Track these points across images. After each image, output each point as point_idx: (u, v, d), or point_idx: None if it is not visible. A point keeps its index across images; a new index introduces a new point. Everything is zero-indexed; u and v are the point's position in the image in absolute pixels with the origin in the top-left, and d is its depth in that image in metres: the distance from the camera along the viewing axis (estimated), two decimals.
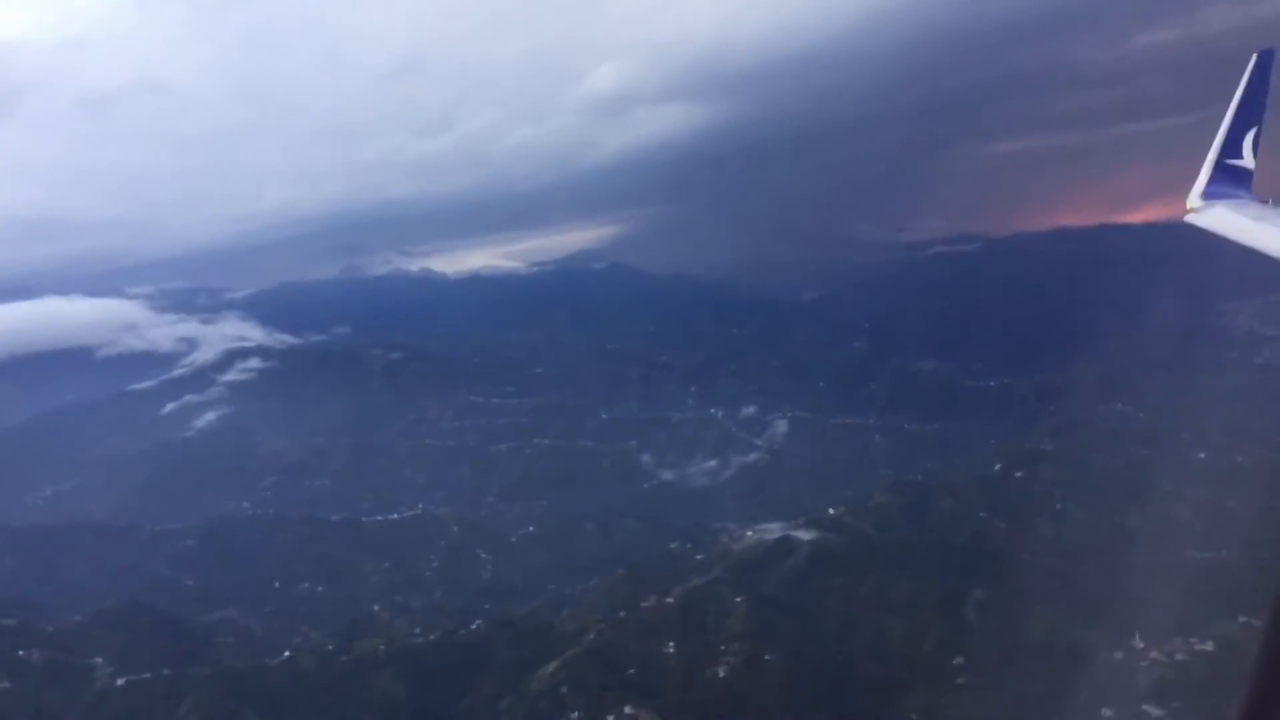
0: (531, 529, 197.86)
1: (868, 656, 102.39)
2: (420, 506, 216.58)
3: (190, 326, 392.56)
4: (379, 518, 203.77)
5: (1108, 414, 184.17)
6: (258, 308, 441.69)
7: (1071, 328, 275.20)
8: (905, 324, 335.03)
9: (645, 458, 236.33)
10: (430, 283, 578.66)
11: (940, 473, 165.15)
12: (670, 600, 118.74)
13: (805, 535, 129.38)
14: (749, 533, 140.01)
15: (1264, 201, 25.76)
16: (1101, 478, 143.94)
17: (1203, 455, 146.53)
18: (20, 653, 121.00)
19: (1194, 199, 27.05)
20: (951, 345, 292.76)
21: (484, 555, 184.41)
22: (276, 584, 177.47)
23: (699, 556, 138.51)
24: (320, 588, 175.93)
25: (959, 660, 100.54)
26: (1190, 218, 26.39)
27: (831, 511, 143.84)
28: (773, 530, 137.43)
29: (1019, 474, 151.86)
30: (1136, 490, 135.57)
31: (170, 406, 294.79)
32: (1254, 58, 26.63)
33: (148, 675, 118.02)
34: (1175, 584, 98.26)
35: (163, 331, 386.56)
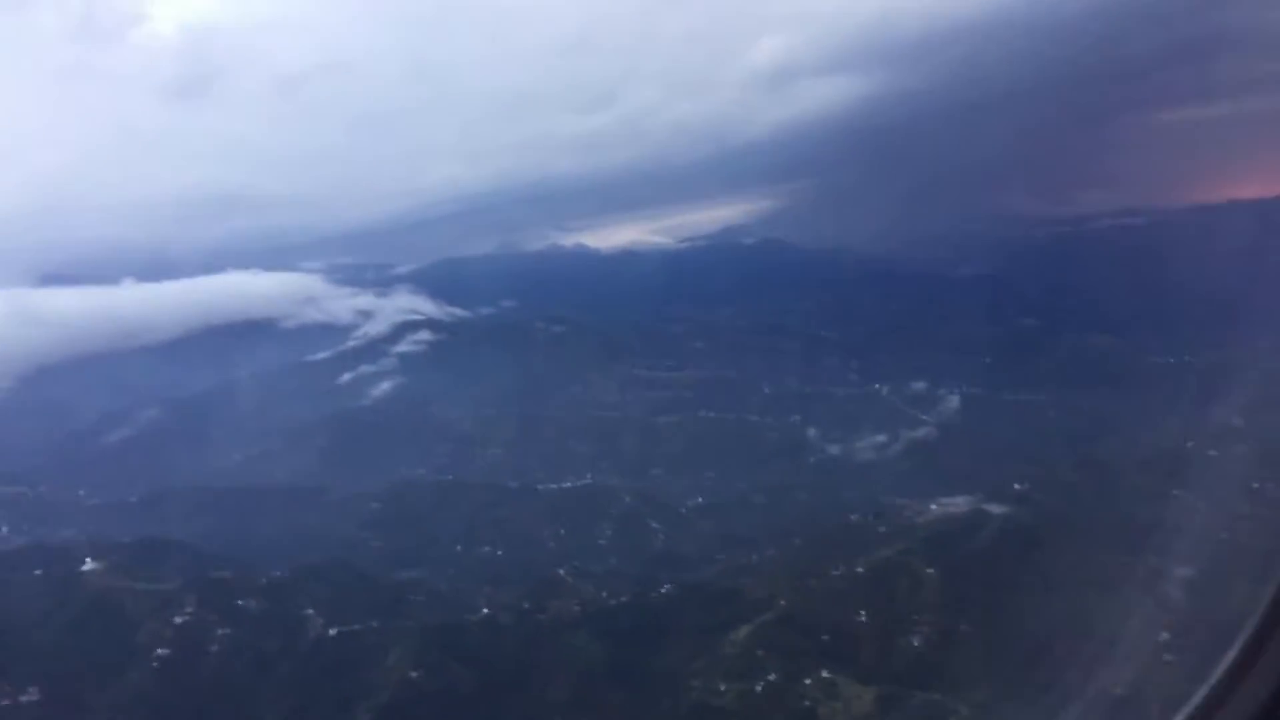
0: (700, 500, 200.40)
1: (1067, 632, 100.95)
2: (589, 477, 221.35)
3: (366, 300, 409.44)
4: (553, 486, 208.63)
5: None
6: (425, 282, 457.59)
7: (1249, 303, 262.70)
8: (1074, 299, 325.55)
9: (810, 432, 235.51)
10: (585, 258, 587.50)
11: (1127, 449, 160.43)
12: (860, 570, 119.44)
13: (996, 509, 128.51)
14: (933, 506, 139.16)
15: None
16: None
17: None
18: (239, 602, 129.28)
19: None
20: (1124, 321, 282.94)
21: (655, 525, 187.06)
22: (458, 547, 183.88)
23: (881, 529, 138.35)
24: (500, 551, 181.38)
25: (1164, 637, 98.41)
26: None
27: (1017, 486, 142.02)
28: (957, 504, 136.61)
29: (1212, 451, 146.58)
30: None
31: (347, 376, 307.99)
32: None
33: (357, 626, 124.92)
34: None
35: (341, 304, 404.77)
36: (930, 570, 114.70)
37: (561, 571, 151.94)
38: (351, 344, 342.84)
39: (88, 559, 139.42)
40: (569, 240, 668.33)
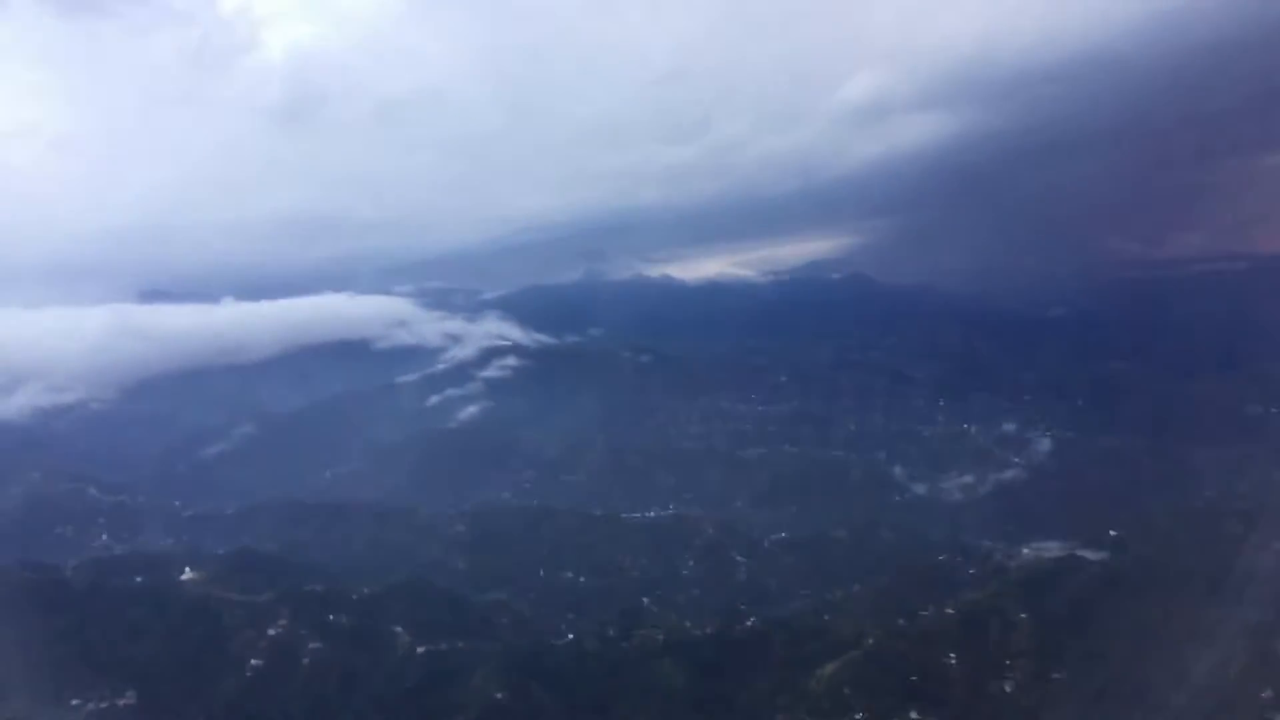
0: (784, 534, 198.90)
1: (1167, 683, 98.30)
2: (672, 507, 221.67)
3: (456, 324, 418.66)
4: (637, 515, 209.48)
5: None
6: (513, 308, 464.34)
7: None
8: (1168, 344, 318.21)
9: (896, 470, 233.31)
10: (670, 289, 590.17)
11: (1225, 499, 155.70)
12: (950, 611, 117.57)
13: (1091, 555, 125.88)
14: (1025, 550, 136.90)
15: None
16: None
17: None
18: (330, 617, 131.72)
19: None
20: (1220, 368, 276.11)
21: (738, 558, 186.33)
22: (541, 572, 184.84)
23: (971, 571, 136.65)
24: (583, 578, 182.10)
25: (1268, 694, 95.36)
26: None
27: (1113, 533, 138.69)
28: (1049, 549, 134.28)
29: None
30: None
31: (434, 399, 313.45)
32: None
33: (443, 646, 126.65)
34: None
35: (431, 328, 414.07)
36: (1023, 615, 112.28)
37: (646, 600, 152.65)
38: (440, 367, 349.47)
39: (186, 568, 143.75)
40: (654, 271, 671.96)
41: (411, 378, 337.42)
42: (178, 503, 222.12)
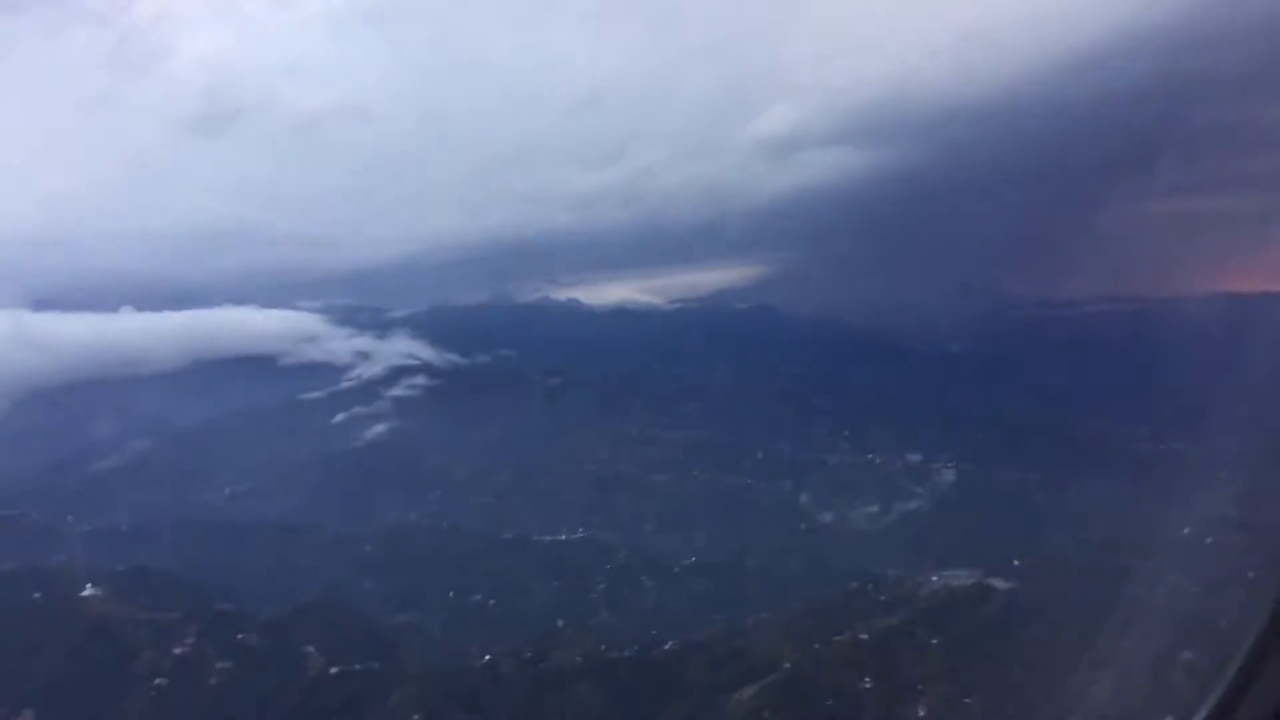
0: (693, 559, 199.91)
1: (1073, 709, 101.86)
2: (581, 530, 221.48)
3: (365, 341, 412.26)
4: (547, 538, 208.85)
5: None
6: (422, 327, 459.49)
7: (1235, 395, 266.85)
8: (1064, 381, 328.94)
9: (803, 498, 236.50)
10: (578, 313, 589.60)
11: (1125, 532, 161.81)
12: (864, 637, 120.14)
13: (1000, 584, 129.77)
14: (934, 578, 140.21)
15: None
16: None
17: None
18: (239, 635, 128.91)
19: None
20: (1113, 406, 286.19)
21: (649, 582, 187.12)
22: (451, 594, 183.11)
23: (882, 598, 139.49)
24: (493, 600, 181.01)
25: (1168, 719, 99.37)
26: None
27: (1017, 563, 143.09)
28: (958, 577, 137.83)
29: (1209, 539, 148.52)
30: None
31: (340, 417, 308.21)
32: None
33: (357, 667, 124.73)
34: None
35: (340, 344, 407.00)
36: (935, 641, 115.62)
37: (560, 623, 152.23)
38: (346, 385, 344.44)
39: (88, 585, 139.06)
40: (562, 294, 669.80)
41: (317, 395, 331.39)
42: (70, 518, 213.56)
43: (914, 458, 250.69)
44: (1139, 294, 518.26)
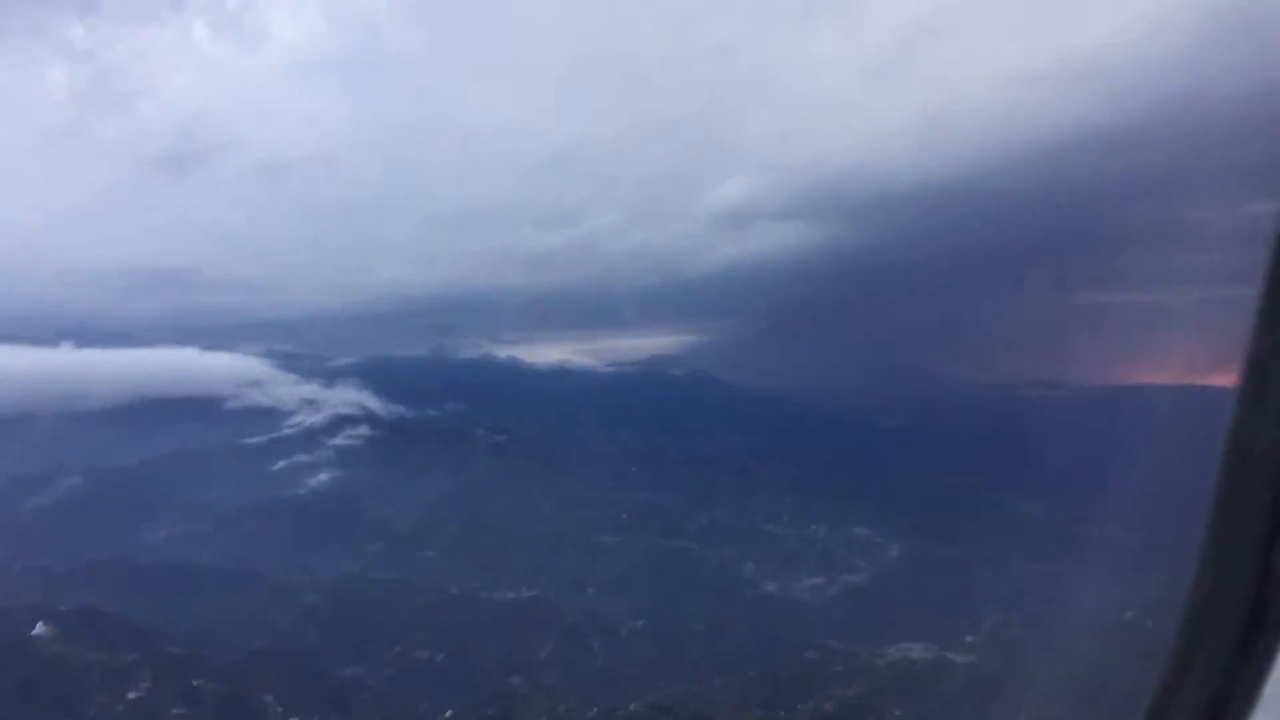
0: (641, 623, 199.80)
1: None
2: (524, 589, 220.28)
3: (313, 389, 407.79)
4: (495, 595, 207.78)
5: None
6: (364, 376, 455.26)
7: (1161, 484, 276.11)
8: (998, 462, 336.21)
9: (748, 567, 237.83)
10: (519, 371, 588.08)
11: (1069, 612, 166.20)
12: (828, 706, 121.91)
13: (961, 658, 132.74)
14: (890, 650, 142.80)
15: None
16: None
17: None
18: (194, 682, 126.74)
19: None
20: (1049, 488, 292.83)
21: (597, 644, 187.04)
22: (397, 648, 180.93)
23: (838, 668, 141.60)
24: (440, 656, 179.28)
25: None
26: None
27: (969, 638, 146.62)
28: (914, 650, 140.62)
29: (1149, 622, 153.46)
30: None
31: (281, 464, 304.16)
32: None
33: (317, 718, 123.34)
34: None
35: (287, 390, 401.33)
36: (898, 713, 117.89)
37: (516, 680, 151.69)
38: (286, 431, 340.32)
39: (39, 623, 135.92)
40: (502, 352, 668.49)
41: (257, 440, 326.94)
42: (2, 554, 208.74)
43: (857, 530, 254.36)
44: (1067, 380, 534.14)
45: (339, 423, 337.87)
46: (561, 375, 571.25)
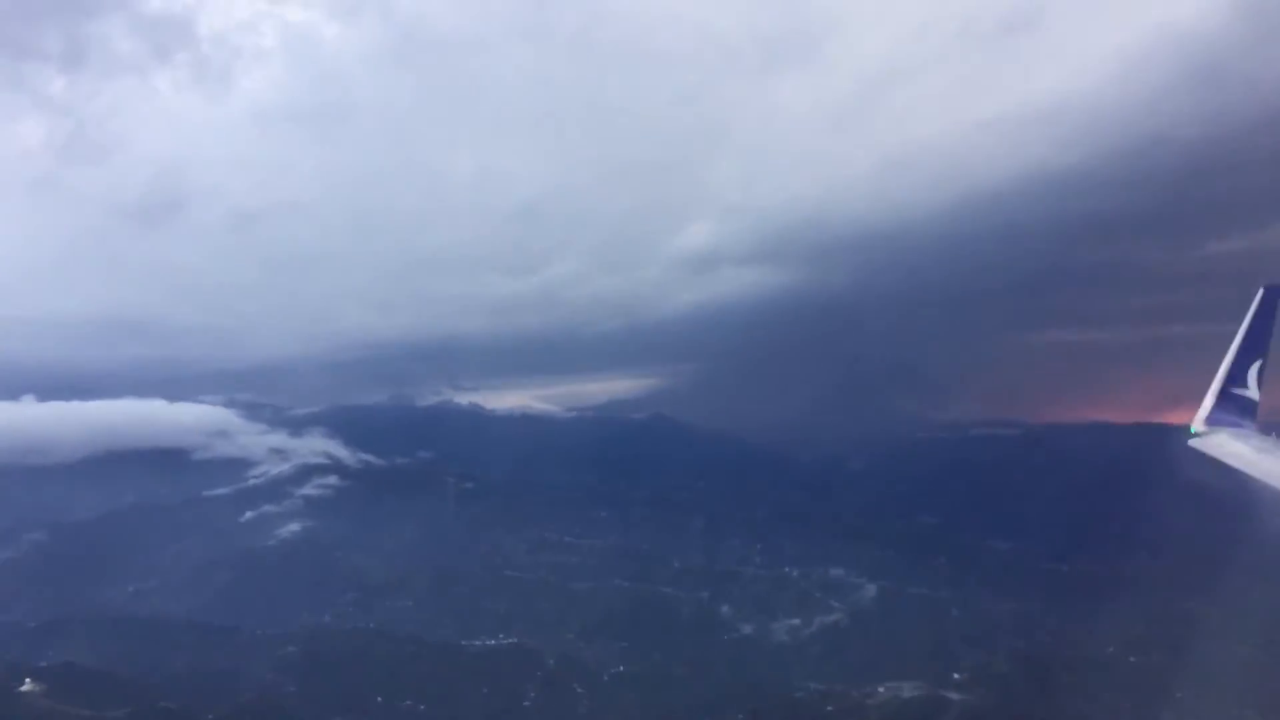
0: (622, 668, 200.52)
1: None
2: (501, 636, 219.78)
3: (280, 438, 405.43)
4: (477, 643, 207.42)
5: (1190, 609, 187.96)
6: (334, 426, 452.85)
7: (1126, 521, 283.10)
8: (965, 501, 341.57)
9: (724, 609, 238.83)
10: (482, 418, 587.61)
11: (1052, 650, 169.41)
12: None
13: (952, 695, 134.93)
14: (879, 689, 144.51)
15: (1267, 433, 26.69)
16: (1212, 672, 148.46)
17: None
18: None
19: (1199, 423, 28.08)
20: (1013, 527, 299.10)
21: (580, 690, 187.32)
22: (379, 698, 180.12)
23: (829, 708, 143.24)
24: (422, 706, 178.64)
25: None
26: (1194, 442, 27.51)
27: (956, 676, 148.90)
28: (904, 689, 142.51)
29: (1133, 658, 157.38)
30: (1252, 689, 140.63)
31: (249, 514, 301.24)
32: (1260, 293, 27.87)
33: None
34: None
35: (254, 441, 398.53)
36: None
37: None
38: (253, 482, 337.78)
39: (26, 680, 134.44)
40: (463, 398, 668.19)
41: (224, 491, 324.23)
42: None
43: (834, 571, 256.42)
44: (1022, 420, 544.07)
45: (307, 472, 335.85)
46: (523, 420, 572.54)
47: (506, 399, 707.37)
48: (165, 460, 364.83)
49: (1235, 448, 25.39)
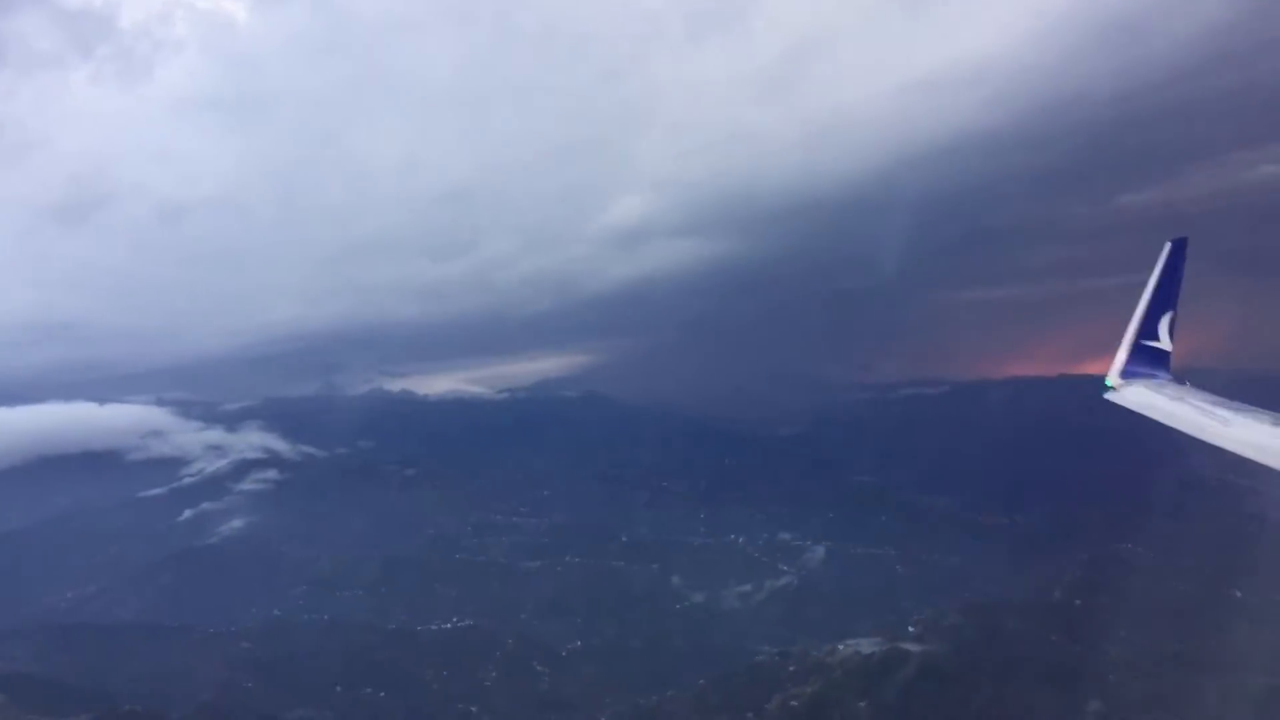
0: (579, 643, 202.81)
1: None
2: (456, 619, 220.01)
3: (216, 435, 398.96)
4: (433, 627, 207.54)
5: (1125, 551, 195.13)
6: (271, 419, 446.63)
7: (1056, 471, 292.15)
8: (899, 460, 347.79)
9: (674, 580, 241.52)
10: (413, 403, 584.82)
11: (1001, 599, 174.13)
12: (794, 704, 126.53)
13: (914, 647, 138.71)
14: (839, 646, 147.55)
15: (1181, 382, 27.45)
16: (1150, 609, 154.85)
17: (1239, 594, 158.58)
18: None
19: (1114, 377, 28.49)
20: (948, 483, 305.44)
21: (539, 668, 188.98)
22: (338, 688, 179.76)
23: (791, 668, 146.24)
24: (383, 693, 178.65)
25: None
26: (1110, 395, 27.96)
27: (911, 629, 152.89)
28: (862, 645, 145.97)
29: (1078, 601, 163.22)
30: (1188, 623, 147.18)
31: (188, 513, 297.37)
32: (1167, 246, 28.52)
33: None
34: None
35: (190, 438, 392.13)
36: (862, 704, 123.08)
37: (475, 708, 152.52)
38: (188, 480, 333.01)
39: None
40: (393, 385, 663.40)
41: (159, 491, 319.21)
42: None
43: (780, 536, 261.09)
44: (946, 377, 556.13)
45: (245, 467, 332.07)
46: (456, 405, 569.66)
47: (437, 383, 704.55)
48: (98, 463, 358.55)
49: (1151, 398, 25.96)
